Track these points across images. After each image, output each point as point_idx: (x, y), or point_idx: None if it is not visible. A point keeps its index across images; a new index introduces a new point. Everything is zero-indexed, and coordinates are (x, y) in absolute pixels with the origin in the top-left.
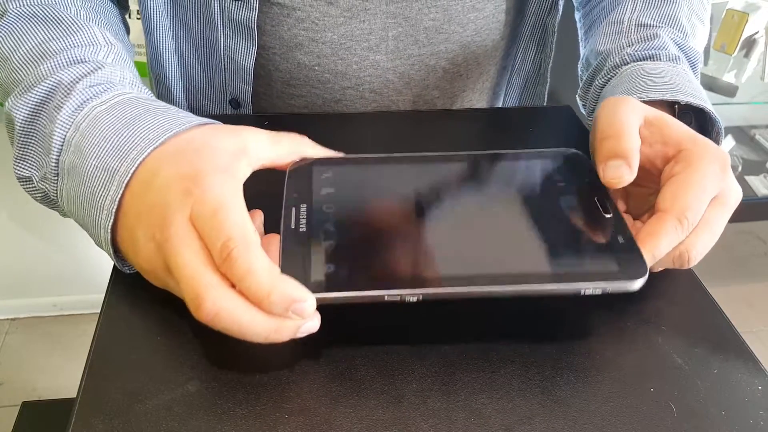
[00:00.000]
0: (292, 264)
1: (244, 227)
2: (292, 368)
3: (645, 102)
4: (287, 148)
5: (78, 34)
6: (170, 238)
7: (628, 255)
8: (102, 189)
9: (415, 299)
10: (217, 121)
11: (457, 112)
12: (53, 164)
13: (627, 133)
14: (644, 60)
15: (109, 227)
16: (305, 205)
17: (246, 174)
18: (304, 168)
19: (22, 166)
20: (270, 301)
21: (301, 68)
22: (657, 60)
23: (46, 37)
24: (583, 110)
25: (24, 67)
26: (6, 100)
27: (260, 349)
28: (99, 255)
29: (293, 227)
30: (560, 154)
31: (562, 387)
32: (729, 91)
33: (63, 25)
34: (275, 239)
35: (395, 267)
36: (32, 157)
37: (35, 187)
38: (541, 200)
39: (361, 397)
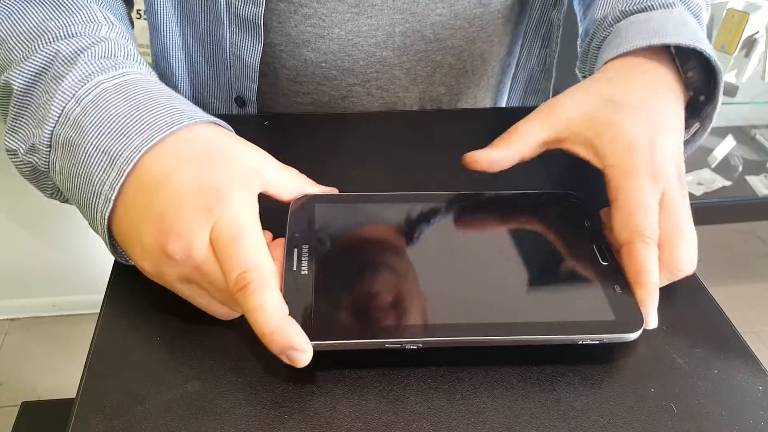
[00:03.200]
0: (292, 307)
1: (261, 259)
2: (292, 368)
3: (632, 51)
4: (293, 181)
5: (78, 14)
6: (195, 258)
7: (626, 305)
8: (100, 173)
9: (414, 347)
10: (224, 122)
11: (459, 113)
12: (46, 135)
13: (510, 138)
14: (637, 13)
15: (107, 214)
16: (306, 246)
17: (257, 192)
18: (306, 206)
19: (12, 139)
20: (271, 339)
21: (307, 65)
22: (650, 10)
23: (44, 17)
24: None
25: (21, 44)
26: (1, 76)
27: (260, 350)
28: (99, 255)
29: (294, 269)
30: (559, 197)
31: (563, 387)
32: (729, 90)
33: (62, 7)
34: (279, 245)
35: (395, 315)
36: (23, 129)
37: (21, 160)
38: (540, 247)
39: (361, 397)
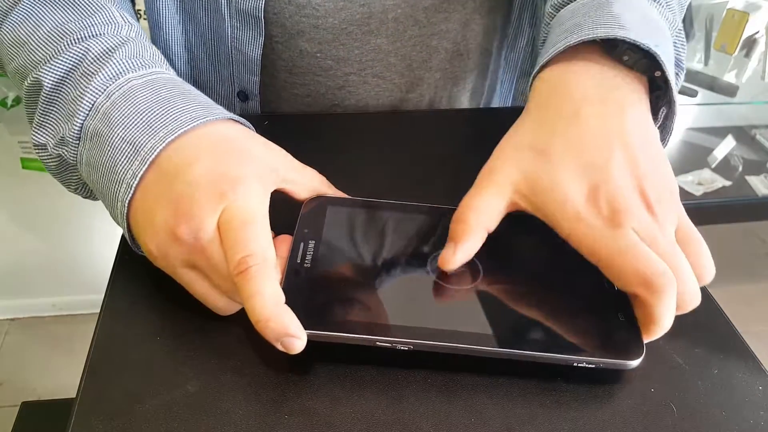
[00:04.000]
0: (292, 296)
1: (265, 246)
2: (292, 368)
3: (551, 61)
4: (310, 181)
5: (96, 15)
6: (202, 240)
7: (627, 334)
8: (125, 162)
9: (405, 348)
10: (245, 120)
11: (458, 113)
12: (76, 128)
13: (470, 220)
14: (564, 5)
15: (127, 201)
16: (313, 242)
17: (272, 189)
18: (319, 206)
19: (41, 133)
20: (266, 326)
21: (303, 56)
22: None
23: (63, 19)
24: None
25: (44, 46)
26: (23, 83)
27: (260, 350)
28: (99, 255)
29: (299, 261)
30: None
31: (563, 387)
32: (729, 90)
33: (80, 8)
34: (284, 241)
35: (390, 315)
36: (51, 124)
37: (50, 154)
38: (544, 266)
39: (361, 397)
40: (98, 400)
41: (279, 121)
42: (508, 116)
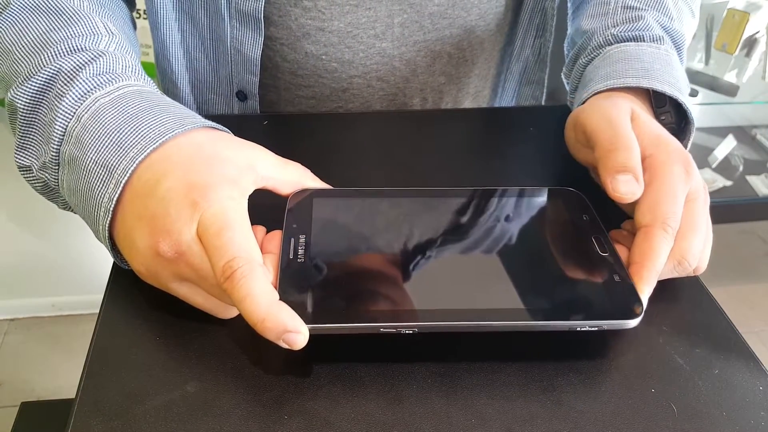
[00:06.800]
0: (289, 293)
1: (248, 248)
2: (291, 368)
3: (621, 88)
4: (292, 175)
5: (79, 24)
6: (184, 254)
7: (624, 294)
8: (100, 186)
9: (410, 332)
10: (220, 126)
11: (458, 112)
12: (53, 153)
13: (634, 146)
14: (627, 41)
15: (107, 225)
16: (304, 236)
17: (250, 190)
18: (305, 199)
19: (23, 155)
20: (264, 326)
21: (308, 58)
22: (640, 41)
23: (47, 28)
24: (567, 87)
25: (25, 58)
26: (6, 93)
27: (259, 350)
28: (98, 255)
29: (291, 257)
30: (559, 192)
31: (563, 387)
32: (730, 90)
33: (65, 16)
34: (274, 237)
35: (391, 300)
36: (32, 146)
37: (35, 176)
38: (539, 238)
39: (361, 398)
40: (98, 400)
41: (279, 121)
42: (510, 116)
